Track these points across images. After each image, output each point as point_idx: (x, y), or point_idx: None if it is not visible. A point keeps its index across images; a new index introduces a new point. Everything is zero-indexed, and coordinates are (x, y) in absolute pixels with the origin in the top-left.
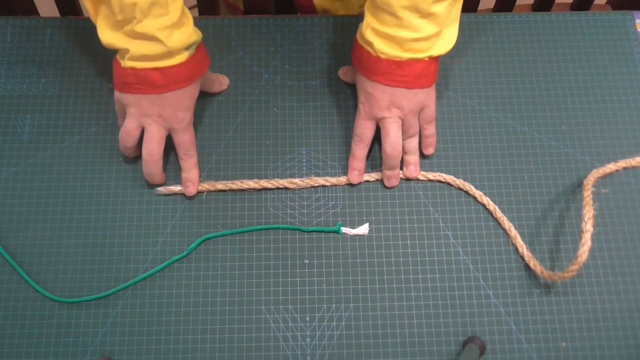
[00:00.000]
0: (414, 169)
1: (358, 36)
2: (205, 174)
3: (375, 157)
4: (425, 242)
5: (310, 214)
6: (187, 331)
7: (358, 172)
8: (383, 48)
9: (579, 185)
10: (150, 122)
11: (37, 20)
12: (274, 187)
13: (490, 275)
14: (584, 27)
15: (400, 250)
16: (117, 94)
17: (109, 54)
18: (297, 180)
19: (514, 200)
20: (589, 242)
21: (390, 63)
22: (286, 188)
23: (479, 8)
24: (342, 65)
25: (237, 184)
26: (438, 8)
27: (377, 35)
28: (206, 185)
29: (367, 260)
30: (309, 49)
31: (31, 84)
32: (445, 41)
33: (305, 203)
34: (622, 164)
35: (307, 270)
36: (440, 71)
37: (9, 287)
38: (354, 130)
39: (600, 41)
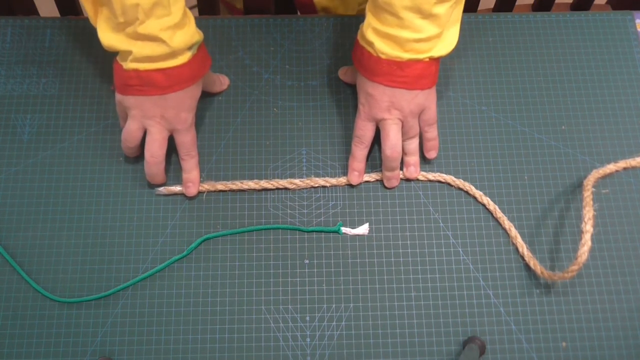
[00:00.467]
0: (414, 170)
1: (359, 36)
2: (205, 174)
3: (376, 157)
4: (425, 242)
5: (310, 214)
6: (187, 331)
7: (358, 173)
8: (384, 48)
9: (578, 185)
10: (152, 123)
11: (37, 20)
12: (274, 187)
13: (490, 275)
14: (584, 27)
15: (400, 250)
16: (118, 97)
17: (109, 54)
18: (297, 181)
19: (514, 200)
20: (589, 243)
21: (391, 63)
22: (286, 189)
23: (479, 8)
24: (342, 65)
25: (237, 185)
26: (440, 9)
27: (378, 36)
28: (206, 186)
29: (367, 260)
30: (309, 49)
31: (31, 84)
32: (446, 42)
33: (305, 203)
34: (622, 164)
35: (307, 270)
36: (440, 71)
37: (9, 287)
38: (354, 131)
39: (600, 41)
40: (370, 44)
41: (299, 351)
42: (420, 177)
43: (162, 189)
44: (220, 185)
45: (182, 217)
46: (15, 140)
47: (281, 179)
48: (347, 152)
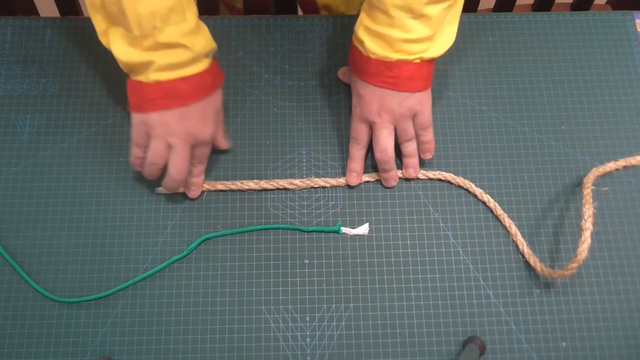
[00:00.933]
0: (413, 172)
1: (353, 36)
2: (206, 173)
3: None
4: (425, 242)
5: (310, 214)
6: (187, 331)
7: (356, 174)
8: (373, 47)
9: (578, 185)
10: (178, 142)
11: (37, 20)
12: (274, 187)
13: (490, 275)
14: (584, 27)
15: (400, 250)
16: (139, 117)
17: (110, 54)
18: (296, 181)
19: (514, 200)
20: (589, 240)
21: (380, 63)
22: (286, 189)
23: (479, 8)
24: (342, 65)
25: (237, 185)
26: (431, 10)
27: (368, 34)
28: (206, 186)
29: (367, 260)
30: (309, 49)
31: (31, 84)
32: (440, 44)
33: (305, 203)
34: (622, 162)
35: (307, 270)
36: (439, 71)
37: (9, 287)
38: (350, 132)
39: (600, 41)
40: (361, 42)
41: (299, 351)
42: (420, 176)
43: (162, 189)
44: (220, 185)
45: (182, 217)
46: (15, 140)
47: (281, 179)
48: (347, 152)
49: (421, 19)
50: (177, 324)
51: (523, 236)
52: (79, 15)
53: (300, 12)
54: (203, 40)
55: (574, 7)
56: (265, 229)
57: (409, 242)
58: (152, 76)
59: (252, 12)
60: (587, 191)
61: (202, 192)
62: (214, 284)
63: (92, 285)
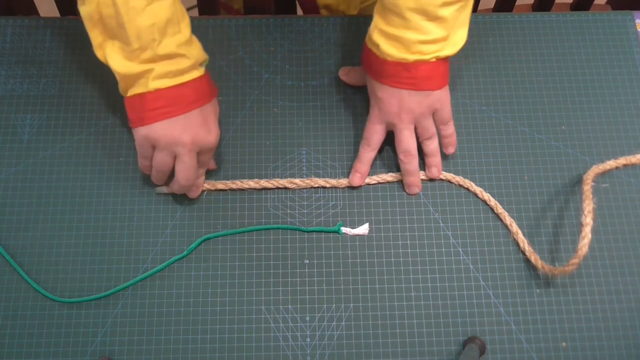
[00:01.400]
0: (435, 171)
1: (367, 39)
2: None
3: (379, 163)
4: (425, 242)
5: (310, 214)
6: (187, 331)
7: (360, 175)
8: (389, 50)
9: (578, 184)
10: (184, 151)
11: (37, 20)
12: (274, 187)
13: (490, 276)
14: (584, 27)
15: (400, 250)
16: (140, 132)
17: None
18: (297, 181)
19: (514, 200)
20: (589, 236)
21: (397, 65)
22: (286, 188)
23: (479, 8)
24: (342, 65)
25: (237, 184)
26: (445, 12)
27: (383, 37)
28: (206, 185)
29: (367, 260)
30: (309, 49)
31: (31, 84)
32: (453, 43)
33: (305, 203)
34: (622, 160)
35: (307, 270)
36: (454, 67)
37: (9, 287)
38: (364, 133)
39: (600, 41)
40: (376, 45)
41: (299, 351)
42: (421, 176)
43: (163, 188)
44: (220, 185)
45: (182, 217)
46: (15, 140)
47: (281, 178)
48: (347, 151)
49: (436, 20)
50: (177, 324)
51: (523, 235)
52: (79, 15)
53: (300, 12)
54: (197, 49)
55: (574, 7)
56: (265, 229)
57: (409, 242)
58: (152, 84)
59: (252, 12)
60: (587, 187)
61: (203, 191)
62: (214, 284)
63: (92, 285)
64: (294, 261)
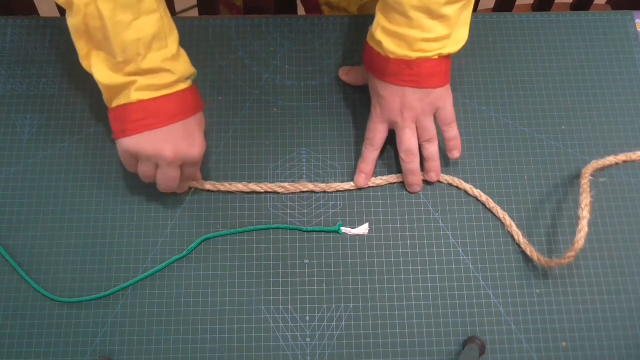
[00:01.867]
0: (434, 175)
1: (368, 37)
2: (205, 173)
3: (383, 162)
4: (425, 242)
5: (310, 214)
6: (187, 331)
7: (365, 175)
8: (392, 48)
9: (577, 179)
10: (165, 164)
11: (37, 20)
12: (263, 191)
13: (490, 275)
14: (584, 27)
15: (400, 250)
16: (123, 144)
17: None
18: (286, 185)
19: (514, 200)
20: (586, 229)
21: (400, 62)
22: (275, 192)
23: (479, 8)
24: (342, 65)
25: (226, 186)
26: (449, 10)
27: (386, 35)
28: (195, 183)
29: (367, 260)
30: (309, 49)
31: (31, 84)
32: (456, 41)
33: (305, 203)
34: (622, 157)
35: (307, 270)
36: (456, 66)
37: (9, 287)
38: (366, 133)
39: (600, 41)
40: (379, 43)
41: (299, 351)
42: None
43: None
44: (208, 185)
45: (182, 217)
46: (15, 140)
47: (281, 179)
48: (347, 152)
49: (439, 19)
50: (177, 324)
51: (524, 236)
52: None
53: (300, 11)
54: (184, 65)
55: (574, 7)
56: (265, 229)
57: (409, 242)
58: (134, 95)
59: (252, 11)
60: (585, 181)
61: (190, 188)
62: (214, 284)
63: (92, 285)
64: (294, 261)
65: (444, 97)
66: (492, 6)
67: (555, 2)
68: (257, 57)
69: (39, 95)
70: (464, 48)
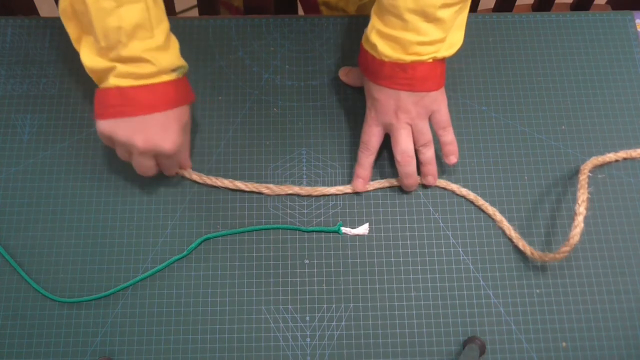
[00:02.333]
0: (432, 179)
1: (363, 40)
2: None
3: (380, 165)
4: (425, 242)
5: (310, 214)
6: (187, 331)
7: (362, 180)
8: (386, 51)
9: (576, 176)
10: (136, 153)
11: (37, 20)
12: (249, 190)
13: (490, 276)
14: (584, 27)
15: (400, 250)
16: (100, 125)
17: None
18: (272, 186)
19: (514, 200)
20: (582, 224)
21: (394, 66)
22: (260, 193)
23: (479, 8)
24: (342, 65)
25: (212, 180)
26: (444, 13)
27: (381, 38)
28: (182, 170)
29: (367, 260)
30: (309, 49)
31: (31, 84)
32: (450, 44)
33: (305, 203)
34: (622, 154)
35: (307, 270)
36: (451, 70)
37: (9, 287)
38: (361, 137)
39: (600, 41)
40: (374, 46)
41: (299, 351)
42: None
43: None
44: (195, 176)
45: (182, 217)
46: (15, 140)
47: (281, 179)
48: (347, 152)
49: (434, 22)
50: (177, 324)
51: (523, 236)
52: None
53: (300, 11)
54: (170, 57)
55: (574, 7)
56: (265, 229)
57: (409, 242)
58: (112, 81)
59: (252, 11)
60: (583, 177)
61: (178, 174)
62: (214, 284)
63: (92, 285)
64: (294, 261)
65: (438, 101)
66: (492, 6)
67: (555, 2)
68: (257, 57)
69: (39, 95)
70: (463, 48)
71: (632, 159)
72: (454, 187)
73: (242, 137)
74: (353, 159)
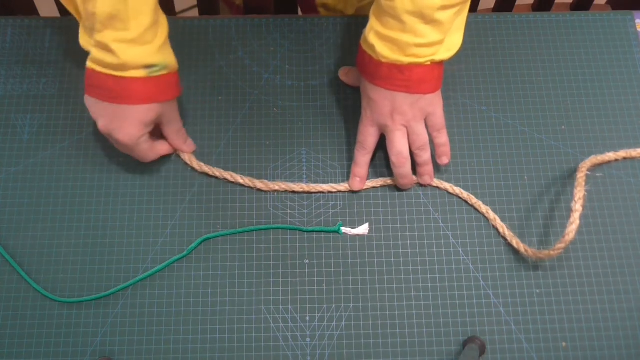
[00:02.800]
0: (428, 179)
1: (362, 41)
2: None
3: (381, 164)
4: (425, 242)
5: (310, 214)
6: (187, 331)
7: (359, 179)
8: (384, 52)
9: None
10: (100, 129)
11: (37, 20)
12: (246, 185)
13: (490, 276)
14: (584, 27)
15: (400, 250)
16: (84, 98)
17: None
18: (267, 182)
19: (514, 200)
20: (577, 221)
21: (391, 67)
22: (259, 190)
23: (479, 8)
24: (342, 65)
25: (212, 170)
26: (442, 15)
27: (379, 39)
28: (191, 159)
29: (367, 260)
30: (309, 49)
31: (31, 84)
32: (449, 47)
33: (305, 203)
34: (622, 153)
35: (307, 270)
36: (449, 72)
37: (9, 287)
38: (357, 137)
39: (600, 41)
40: (372, 47)
41: (299, 351)
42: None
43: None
44: (195, 164)
45: (182, 217)
46: (15, 140)
47: (281, 179)
48: (347, 152)
49: (432, 24)
50: (177, 324)
51: (523, 237)
52: None
53: (300, 12)
54: (143, 53)
55: (574, 7)
56: (265, 229)
57: (409, 242)
58: (88, 62)
59: (252, 11)
60: (581, 175)
61: (177, 154)
62: (214, 284)
63: (92, 285)
64: (294, 261)
65: (434, 103)
66: (492, 6)
67: (555, 2)
68: (257, 57)
69: (39, 95)
70: (463, 48)
71: (632, 159)
72: (447, 185)
73: (242, 137)
74: (352, 158)
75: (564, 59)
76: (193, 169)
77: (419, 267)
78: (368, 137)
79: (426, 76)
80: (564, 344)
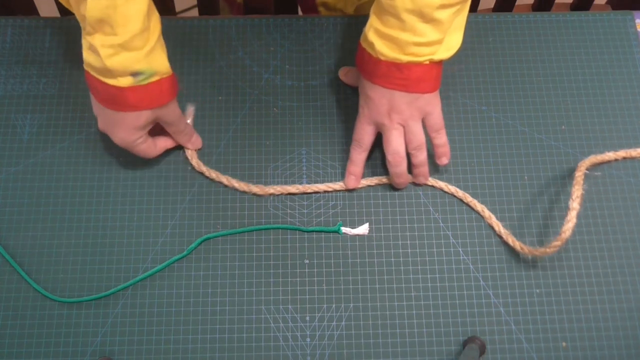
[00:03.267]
0: (423, 179)
1: (361, 39)
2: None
3: (377, 164)
4: (425, 242)
5: (310, 214)
6: (187, 331)
7: (355, 177)
8: (383, 49)
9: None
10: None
11: (37, 20)
12: (242, 190)
13: (490, 275)
14: (584, 27)
15: (400, 250)
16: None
17: None
18: (263, 187)
19: (514, 200)
20: (574, 220)
21: (390, 65)
22: (255, 194)
23: (479, 8)
24: (342, 65)
25: (209, 172)
26: (442, 14)
27: (379, 37)
28: (193, 154)
29: (367, 260)
30: (309, 49)
31: (31, 84)
32: (448, 47)
33: (305, 203)
34: (622, 153)
35: (307, 270)
36: (448, 72)
37: (9, 287)
38: (353, 134)
39: (600, 41)
40: (371, 45)
41: (299, 351)
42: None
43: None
44: (195, 161)
45: (182, 217)
46: (15, 140)
47: (281, 179)
48: (347, 152)
49: (432, 23)
50: (177, 324)
51: (522, 237)
52: None
53: (300, 11)
54: (130, 59)
55: (574, 7)
56: (265, 229)
57: (409, 242)
58: (85, 65)
59: (252, 11)
60: (579, 173)
61: (184, 151)
62: (214, 284)
63: (92, 285)
64: (294, 261)
65: (432, 103)
66: (492, 6)
67: (555, 2)
68: (257, 57)
69: (39, 95)
70: (463, 48)
71: (632, 159)
72: (441, 184)
73: (242, 137)
74: None
75: (564, 59)
76: (192, 166)
77: (419, 267)
78: (364, 135)
79: (424, 75)
80: (564, 344)
